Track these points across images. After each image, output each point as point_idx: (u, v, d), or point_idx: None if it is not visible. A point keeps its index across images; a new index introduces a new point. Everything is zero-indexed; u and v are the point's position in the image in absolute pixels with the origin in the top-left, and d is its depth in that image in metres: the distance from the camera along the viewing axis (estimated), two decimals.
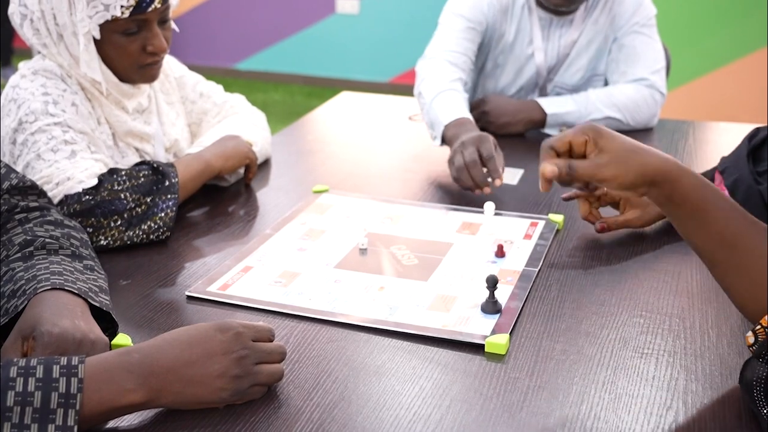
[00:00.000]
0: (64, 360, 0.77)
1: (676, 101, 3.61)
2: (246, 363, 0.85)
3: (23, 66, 1.35)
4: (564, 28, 1.91)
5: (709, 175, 1.34)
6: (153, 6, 1.30)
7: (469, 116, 1.66)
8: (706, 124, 1.98)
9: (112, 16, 1.28)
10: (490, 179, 1.43)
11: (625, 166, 0.94)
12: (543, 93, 1.97)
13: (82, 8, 1.27)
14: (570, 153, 0.98)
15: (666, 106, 2.19)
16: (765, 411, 0.82)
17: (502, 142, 1.57)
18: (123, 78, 1.38)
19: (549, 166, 0.95)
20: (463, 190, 1.48)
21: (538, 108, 1.85)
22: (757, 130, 1.28)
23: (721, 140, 1.86)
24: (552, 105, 1.85)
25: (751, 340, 0.84)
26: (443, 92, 1.73)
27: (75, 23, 1.29)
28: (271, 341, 0.90)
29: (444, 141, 1.65)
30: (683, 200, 0.94)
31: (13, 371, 0.74)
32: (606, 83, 1.97)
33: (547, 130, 1.87)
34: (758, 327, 0.85)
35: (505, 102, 1.89)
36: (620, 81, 1.90)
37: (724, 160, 1.33)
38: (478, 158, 1.44)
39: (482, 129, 1.81)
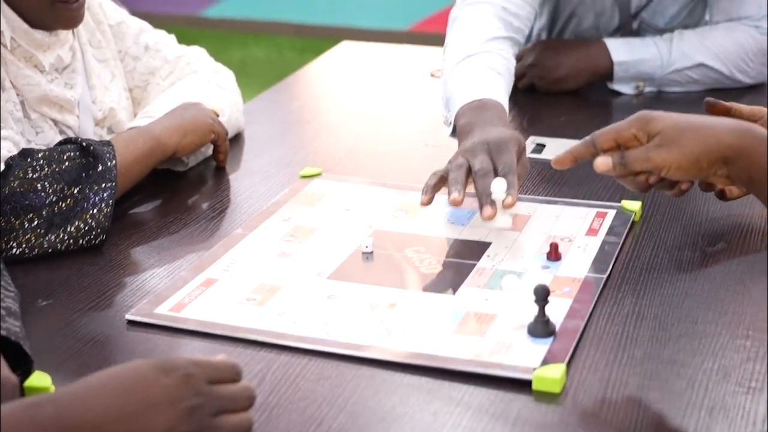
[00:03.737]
0: None
1: None
2: (200, 415, 0.85)
3: None
4: None
5: None
6: None
7: (500, 98, 1.55)
8: None
9: None
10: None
11: (679, 148, 1.08)
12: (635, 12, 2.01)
13: None
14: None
15: None
16: None
17: (555, 101, 1.57)
18: (34, 22, 1.42)
19: (602, 159, 1.14)
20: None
21: (605, 52, 1.90)
22: None
23: None
24: (622, 49, 1.90)
25: None
26: (472, 56, 1.64)
27: None
28: (236, 382, 0.90)
29: (455, 131, 1.55)
30: (766, 174, 1.03)
31: None
32: None
33: (616, 86, 1.93)
34: None
35: (559, 49, 1.94)
36: (721, 18, 1.95)
37: None
38: (492, 169, 1.34)
39: (529, 87, 1.83)
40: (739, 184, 1.12)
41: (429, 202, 1.34)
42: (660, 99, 1.96)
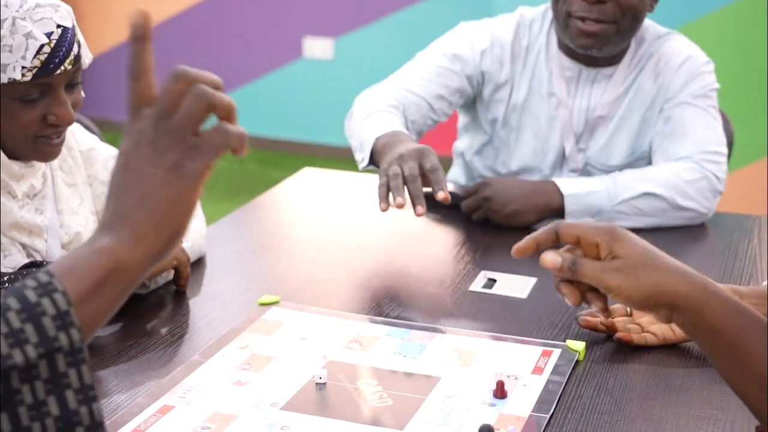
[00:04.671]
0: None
1: (736, 189, 3.69)
2: (168, 128, 0.84)
3: None
4: (598, 84, 2.05)
5: None
6: (62, 68, 1.39)
7: (406, 132, 1.88)
8: None
9: (9, 77, 1.35)
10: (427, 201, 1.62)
11: (635, 279, 1.04)
12: (575, 175, 2.09)
13: None
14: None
15: (724, 196, 2.26)
16: None
17: (509, 236, 1.63)
18: (12, 154, 1.44)
19: (551, 254, 1.07)
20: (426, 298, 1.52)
21: (555, 189, 1.94)
22: None
23: None
24: (571, 185, 1.95)
25: None
26: (375, 111, 1.97)
27: None
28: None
29: (372, 159, 1.88)
30: (712, 331, 1.03)
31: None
32: None
33: (568, 219, 1.95)
34: None
35: (512, 184, 1.98)
36: (662, 158, 2.03)
37: None
38: (419, 173, 1.64)
39: (484, 219, 1.91)
40: (682, 329, 1.09)
41: (387, 209, 1.65)
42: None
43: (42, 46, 1.37)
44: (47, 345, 0.77)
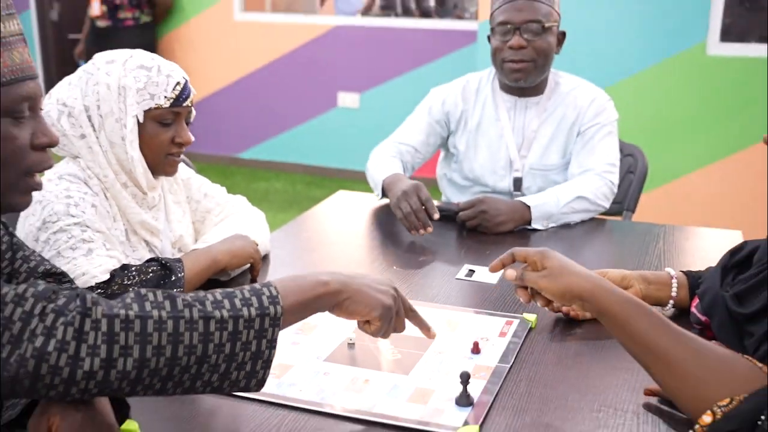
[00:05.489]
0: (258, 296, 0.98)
1: (651, 204, 3.71)
2: (396, 301, 1.11)
3: (49, 171, 1.46)
4: (528, 110, 2.16)
5: (695, 275, 1.45)
6: (187, 102, 1.47)
7: (402, 173, 2.07)
8: (677, 227, 2.07)
9: (156, 103, 1.43)
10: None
11: (556, 282, 1.15)
12: (518, 175, 2.16)
13: (132, 95, 1.43)
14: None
15: (640, 208, 2.32)
16: None
17: (494, 239, 1.71)
18: (151, 169, 1.50)
19: (510, 270, 1.22)
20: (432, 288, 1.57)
21: (524, 205, 1.99)
22: (741, 246, 1.37)
23: (690, 245, 1.96)
24: (533, 199, 2.01)
25: None
26: (383, 160, 2.15)
27: (122, 109, 1.43)
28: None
29: (383, 192, 2.05)
30: (607, 313, 1.10)
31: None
32: None
33: (534, 225, 2.00)
34: (696, 426, 0.96)
35: (499, 202, 2.00)
36: (577, 167, 2.13)
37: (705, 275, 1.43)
38: (420, 205, 1.84)
39: (479, 226, 1.96)
40: (592, 314, 1.17)
41: (416, 234, 1.87)
42: (557, 231, 2.00)
43: (177, 83, 1.46)
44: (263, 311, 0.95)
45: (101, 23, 5.37)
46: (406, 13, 5.86)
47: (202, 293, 0.96)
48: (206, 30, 5.72)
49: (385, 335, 1.13)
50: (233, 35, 5.68)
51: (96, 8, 5.33)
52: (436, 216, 1.87)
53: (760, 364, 0.99)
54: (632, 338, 1.07)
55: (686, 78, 3.94)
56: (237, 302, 0.95)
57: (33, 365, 0.85)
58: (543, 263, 1.18)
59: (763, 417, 0.90)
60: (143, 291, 0.93)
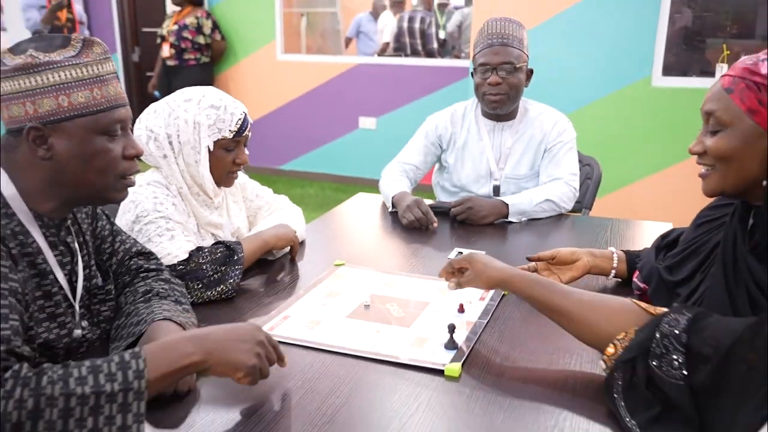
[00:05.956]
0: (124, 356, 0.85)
1: (604, 205, 3.75)
2: (260, 357, 0.96)
3: (139, 177, 1.51)
4: (505, 132, 2.18)
5: (633, 253, 1.48)
6: (245, 133, 1.51)
7: (407, 190, 2.12)
8: (622, 221, 2.07)
9: (223, 135, 1.48)
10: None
11: (481, 277, 1.20)
12: (497, 183, 2.19)
13: (204, 130, 1.47)
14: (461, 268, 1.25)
15: (596, 208, 2.37)
16: (622, 411, 0.97)
17: (478, 228, 1.77)
18: (217, 183, 1.53)
19: (451, 283, 1.26)
20: (436, 271, 1.59)
21: (503, 203, 2.04)
22: (670, 231, 1.41)
23: (631, 233, 1.98)
24: (511, 199, 2.05)
25: (603, 366, 1.01)
26: (392, 180, 2.18)
27: (197, 139, 1.46)
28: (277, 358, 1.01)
29: (393, 205, 2.07)
30: (521, 292, 1.14)
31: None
32: None
33: (510, 218, 2.04)
34: (604, 357, 1.02)
35: (483, 201, 2.04)
36: (546, 177, 2.14)
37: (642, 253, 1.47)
38: (421, 214, 1.92)
39: (467, 219, 1.99)
40: (514, 294, 1.17)
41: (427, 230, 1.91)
42: (528, 223, 2.01)
43: (239, 119, 1.49)
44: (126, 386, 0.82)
45: (170, 62, 5.45)
46: (414, 53, 5.91)
47: (71, 367, 0.83)
48: (254, 68, 5.75)
49: (253, 383, 0.98)
50: (276, 72, 5.72)
51: (166, 51, 5.43)
52: (435, 225, 1.92)
53: (645, 305, 1.02)
54: (541, 304, 1.11)
55: (634, 105, 3.93)
56: (101, 378, 0.82)
57: None
58: (471, 265, 1.21)
59: (653, 345, 0.93)
60: (23, 371, 0.81)
